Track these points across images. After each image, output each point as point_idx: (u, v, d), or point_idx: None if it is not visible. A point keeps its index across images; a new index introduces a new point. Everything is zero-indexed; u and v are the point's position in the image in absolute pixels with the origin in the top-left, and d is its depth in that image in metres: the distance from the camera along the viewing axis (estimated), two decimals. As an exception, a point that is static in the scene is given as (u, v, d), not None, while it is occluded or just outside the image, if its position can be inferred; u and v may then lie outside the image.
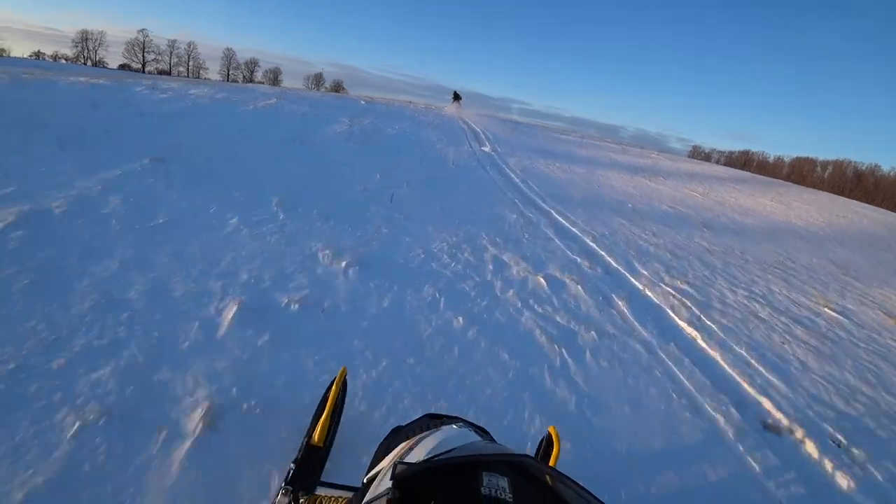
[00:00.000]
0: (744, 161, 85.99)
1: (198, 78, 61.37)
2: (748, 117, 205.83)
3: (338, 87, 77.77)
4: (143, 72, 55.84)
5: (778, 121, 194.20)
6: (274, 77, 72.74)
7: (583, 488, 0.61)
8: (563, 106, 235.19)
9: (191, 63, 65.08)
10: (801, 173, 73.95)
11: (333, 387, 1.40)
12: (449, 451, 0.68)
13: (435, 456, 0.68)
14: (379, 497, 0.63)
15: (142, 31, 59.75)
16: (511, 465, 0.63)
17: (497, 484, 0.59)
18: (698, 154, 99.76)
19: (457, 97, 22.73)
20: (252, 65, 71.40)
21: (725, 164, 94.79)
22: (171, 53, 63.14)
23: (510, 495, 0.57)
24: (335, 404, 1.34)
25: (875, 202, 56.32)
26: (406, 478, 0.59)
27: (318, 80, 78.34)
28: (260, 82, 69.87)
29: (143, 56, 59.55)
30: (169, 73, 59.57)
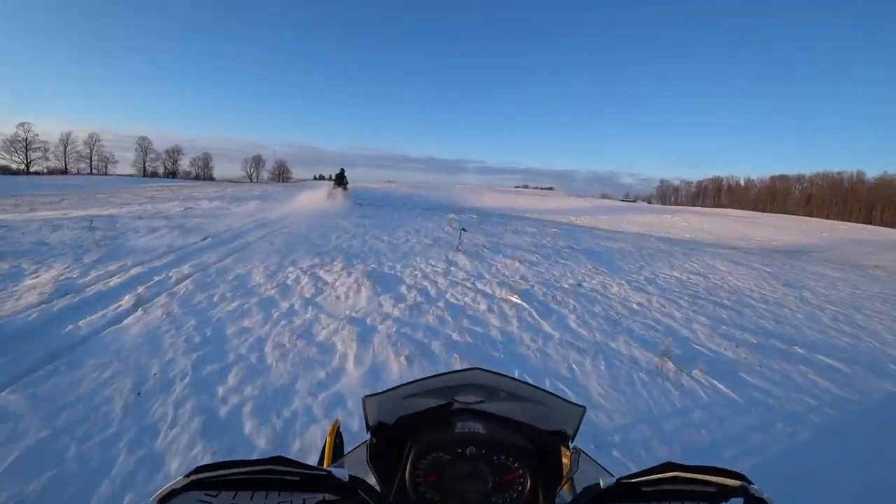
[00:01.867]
0: (717, 188, 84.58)
1: (104, 174, 54.76)
2: (697, 144, 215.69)
3: (281, 171, 74.13)
4: (27, 172, 49.42)
5: (727, 144, 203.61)
6: (204, 164, 68.02)
7: (518, 380, 0.78)
8: (518, 159, 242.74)
9: (94, 157, 59.01)
10: (772, 194, 71.56)
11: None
12: (408, 382, 0.78)
13: (400, 385, 0.78)
14: (360, 445, 0.84)
15: (22, 125, 52.10)
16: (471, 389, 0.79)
17: (469, 426, 0.74)
18: (666, 188, 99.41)
19: (340, 180, 15.29)
20: (174, 153, 66.38)
21: (694, 193, 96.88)
22: (65, 148, 56.37)
23: (482, 429, 0.73)
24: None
25: (872, 214, 56.76)
26: (381, 425, 0.75)
27: (257, 162, 74.36)
28: (186, 172, 64.73)
29: (26, 155, 51.95)
30: (65, 172, 53.46)
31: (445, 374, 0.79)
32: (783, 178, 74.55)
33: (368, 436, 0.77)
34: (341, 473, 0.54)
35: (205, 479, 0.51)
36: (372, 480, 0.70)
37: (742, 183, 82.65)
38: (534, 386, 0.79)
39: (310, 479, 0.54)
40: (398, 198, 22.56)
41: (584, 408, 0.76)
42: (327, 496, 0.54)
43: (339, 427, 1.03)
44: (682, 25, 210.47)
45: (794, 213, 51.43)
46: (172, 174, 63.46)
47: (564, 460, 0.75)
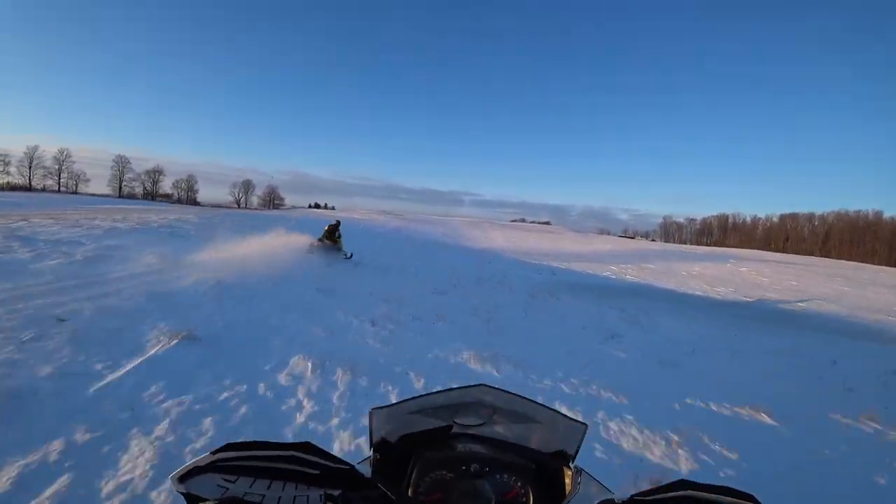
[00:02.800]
0: (723, 225, 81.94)
1: (74, 192, 50.88)
2: (692, 180, 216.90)
3: (272, 197, 70.91)
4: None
5: (727, 180, 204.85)
6: (188, 187, 64.41)
7: (522, 397, 0.81)
8: (512, 193, 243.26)
9: (64, 175, 54.52)
10: (784, 232, 68.66)
11: None
12: (415, 397, 0.81)
13: (404, 400, 0.80)
14: (366, 459, 0.78)
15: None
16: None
17: (470, 446, 0.76)
18: (670, 224, 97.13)
19: (332, 234, 11.45)
20: (155, 174, 62.40)
21: (699, 230, 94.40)
22: (30, 163, 52.09)
23: (483, 449, 0.75)
24: None
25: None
26: (384, 441, 0.76)
27: (246, 187, 70.86)
28: (166, 195, 61.19)
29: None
30: (29, 189, 49.22)
31: (452, 389, 0.81)
32: (793, 216, 72.16)
33: (371, 451, 0.78)
34: (364, 469, 0.57)
35: (226, 462, 0.51)
36: None
37: (748, 220, 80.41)
38: (537, 403, 0.79)
39: (331, 472, 0.54)
40: (399, 240, 18.97)
41: (585, 425, 0.77)
42: (347, 492, 0.51)
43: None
44: (676, 55, 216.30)
45: (810, 254, 47.93)
46: (152, 196, 59.82)
47: (566, 479, 0.76)
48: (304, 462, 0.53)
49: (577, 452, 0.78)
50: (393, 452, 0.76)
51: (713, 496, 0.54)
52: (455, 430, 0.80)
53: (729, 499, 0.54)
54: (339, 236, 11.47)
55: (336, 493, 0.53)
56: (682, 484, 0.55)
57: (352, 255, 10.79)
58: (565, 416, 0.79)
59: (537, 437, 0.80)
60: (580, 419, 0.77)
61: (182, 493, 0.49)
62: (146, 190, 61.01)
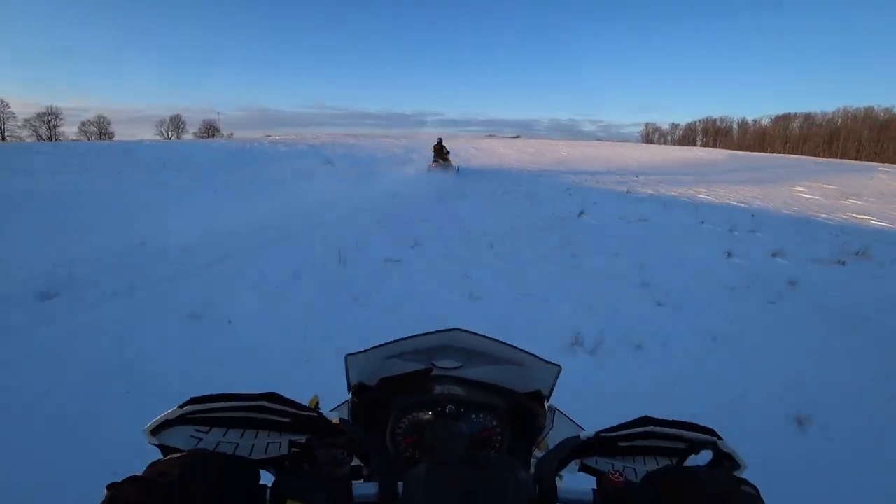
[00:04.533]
0: (711, 129, 76.08)
1: None
2: (653, 88, 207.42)
3: (211, 133, 63.04)
4: None
5: (689, 85, 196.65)
6: (100, 130, 56.57)
7: (497, 340, 0.80)
8: (478, 110, 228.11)
9: None
10: (774, 136, 63.76)
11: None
12: (390, 342, 0.78)
13: (379, 345, 0.78)
14: (342, 403, 0.81)
15: None
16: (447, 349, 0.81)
17: (448, 388, 0.75)
18: (652, 132, 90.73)
19: (441, 151, 13.17)
20: (49, 118, 52.92)
21: (682, 136, 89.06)
22: None
23: (461, 391, 0.74)
24: None
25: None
26: (362, 385, 0.77)
27: (176, 123, 62.64)
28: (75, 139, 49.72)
29: None
30: None
31: (426, 334, 0.81)
32: (786, 117, 66.91)
33: (350, 395, 0.79)
34: (331, 416, 0.54)
35: (197, 414, 0.52)
36: None
37: (736, 125, 74.92)
38: (511, 346, 0.80)
39: (300, 419, 0.54)
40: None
41: (559, 367, 0.78)
42: (314, 437, 0.52)
43: (317, 403, 0.87)
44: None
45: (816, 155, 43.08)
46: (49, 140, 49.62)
47: (540, 419, 0.78)
48: (273, 411, 0.53)
49: (551, 392, 0.80)
50: (371, 397, 0.77)
51: (674, 430, 0.54)
52: (435, 372, 0.79)
53: (690, 432, 0.54)
54: (448, 153, 13.27)
55: (302, 439, 0.53)
56: (645, 420, 0.54)
57: (459, 168, 12.74)
58: (540, 358, 0.79)
59: (513, 379, 0.80)
60: (554, 361, 0.78)
61: (156, 446, 0.51)
62: (39, 136, 51.75)
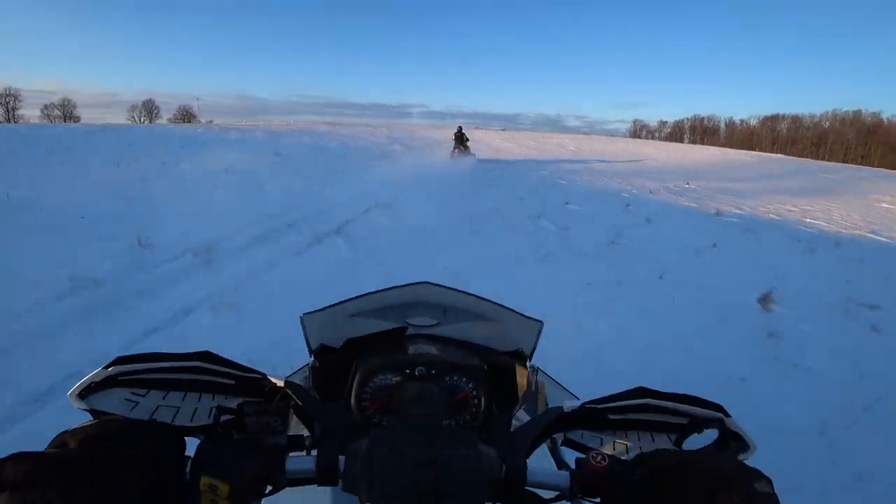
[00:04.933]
0: (699, 127, 75.15)
1: None
2: (636, 85, 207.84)
3: (186, 119, 59.84)
4: None
5: (678, 82, 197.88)
6: (64, 113, 53.67)
7: (471, 294, 0.73)
8: (463, 103, 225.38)
9: None
10: (762, 136, 63.27)
11: None
12: (351, 298, 0.71)
13: (339, 302, 0.71)
14: (301, 368, 0.77)
15: None
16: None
17: (422, 348, 0.68)
18: (640, 128, 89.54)
19: (461, 138, 12.90)
20: (6, 98, 50.45)
21: (670, 133, 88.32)
22: None
23: (435, 350, 0.67)
24: None
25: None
26: (325, 347, 0.70)
27: (149, 108, 59.29)
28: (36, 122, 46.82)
29: None
30: None
31: (392, 288, 0.74)
32: (774, 118, 66.38)
33: (311, 358, 0.72)
34: (276, 378, 0.49)
35: (130, 375, 0.47)
36: None
37: (723, 124, 74.18)
38: (487, 300, 0.74)
39: (243, 381, 0.49)
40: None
41: (541, 322, 0.72)
42: (248, 402, 0.45)
43: None
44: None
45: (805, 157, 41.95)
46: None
47: (521, 379, 0.73)
48: (214, 373, 0.48)
49: (533, 351, 0.74)
50: (336, 360, 0.69)
51: (675, 405, 0.49)
52: (409, 331, 0.73)
53: (693, 407, 0.48)
54: (467, 140, 12.96)
55: (233, 404, 0.45)
56: (642, 391, 0.49)
57: (475, 154, 12.43)
58: (520, 313, 0.73)
59: (492, 336, 0.74)
60: (535, 317, 0.71)
61: (86, 410, 0.44)
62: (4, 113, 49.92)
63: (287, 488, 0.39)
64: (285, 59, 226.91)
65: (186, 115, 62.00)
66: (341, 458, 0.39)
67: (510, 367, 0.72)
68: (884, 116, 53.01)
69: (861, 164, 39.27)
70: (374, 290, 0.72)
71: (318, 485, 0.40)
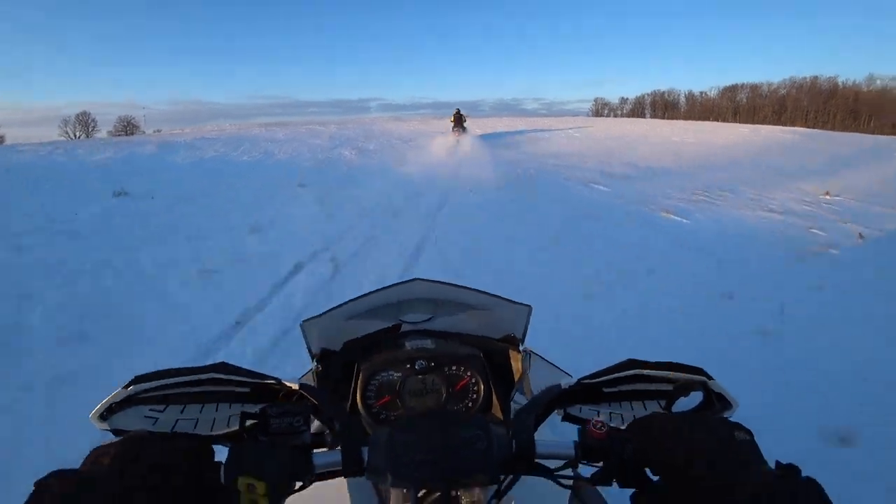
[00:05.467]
0: (661, 102, 74.07)
1: None
2: (593, 64, 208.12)
3: (128, 130, 51.37)
4: None
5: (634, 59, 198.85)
6: None
7: (460, 286, 0.75)
8: (423, 94, 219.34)
9: None
10: (725, 107, 63.00)
11: None
12: (346, 302, 0.73)
13: (336, 307, 0.73)
14: (306, 374, 0.78)
15: None
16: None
17: (418, 343, 0.71)
18: (602, 106, 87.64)
19: (459, 120, 14.38)
20: None
21: (632, 110, 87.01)
22: None
23: (431, 344, 0.71)
24: None
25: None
26: (326, 351, 0.73)
27: (84, 122, 50.80)
28: None
29: None
30: None
31: (385, 288, 0.75)
32: (733, 88, 66.05)
33: (314, 363, 0.74)
34: (290, 381, 0.50)
35: (148, 393, 0.48)
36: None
37: (682, 99, 73.44)
38: (476, 290, 0.76)
39: (258, 388, 0.50)
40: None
41: (529, 307, 0.74)
42: (269, 405, 0.45)
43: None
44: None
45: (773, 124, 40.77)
46: None
47: (515, 363, 0.75)
48: (229, 382, 0.49)
49: (524, 335, 0.76)
50: (337, 362, 0.73)
51: (662, 372, 0.51)
52: (404, 328, 0.77)
53: (678, 374, 0.51)
54: (465, 120, 14.43)
55: (254, 410, 0.45)
56: (631, 363, 0.51)
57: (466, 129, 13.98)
58: (508, 299, 0.74)
59: (485, 325, 0.78)
60: (523, 302, 0.73)
61: (109, 431, 0.46)
62: None
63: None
64: (239, 61, 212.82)
65: (128, 127, 53.74)
66: (364, 449, 0.42)
67: (504, 352, 0.77)
68: (839, 80, 53.32)
69: (825, 128, 38.31)
70: (366, 292, 0.73)
71: (345, 476, 0.42)
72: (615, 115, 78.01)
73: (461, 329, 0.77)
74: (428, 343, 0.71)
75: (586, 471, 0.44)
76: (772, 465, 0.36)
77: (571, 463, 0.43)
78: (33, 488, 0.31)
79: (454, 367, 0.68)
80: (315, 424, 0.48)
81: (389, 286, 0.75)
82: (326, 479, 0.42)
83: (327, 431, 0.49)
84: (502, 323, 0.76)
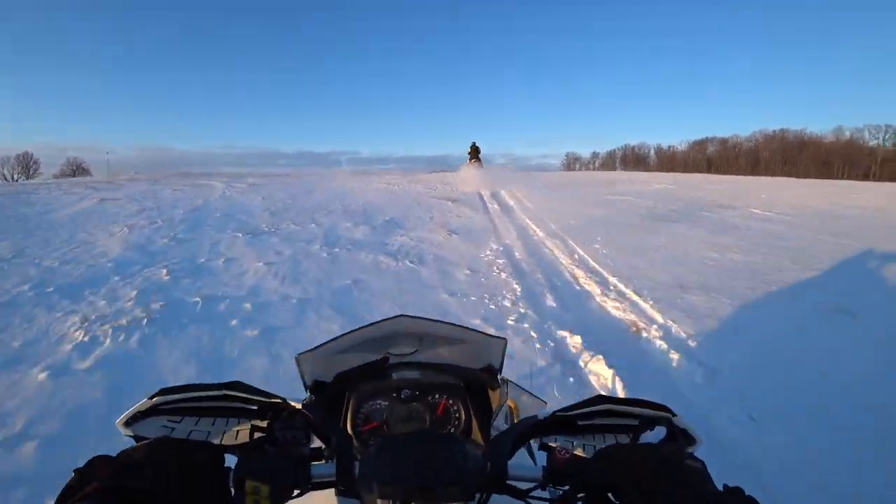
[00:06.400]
0: (631, 156, 75.52)
1: None
2: (562, 119, 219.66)
3: (76, 172, 48.04)
4: None
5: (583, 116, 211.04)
6: None
7: (441, 321, 0.83)
8: (392, 149, 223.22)
9: None
10: (698, 160, 64.41)
11: None
12: (337, 337, 0.80)
13: (330, 341, 0.78)
14: (305, 399, 0.79)
15: None
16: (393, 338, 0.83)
17: (404, 374, 0.78)
18: (573, 161, 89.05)
19: (475, 154, 16.30)
20: None
21: (603, 164, 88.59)
22: None
23: (416, 374, 0.78)
24: None
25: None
26: (318, 382, 0.77)
27: (25, 162, 47.99)
28: None
29: None
30: None
31: (372, 324, 0.80)
32: (703, 143, 68.03)
33: (307, 394, 0.78)
34: (294, 401, 0.55)
35: (169, 405, 0.53)
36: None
37: (652, 153, 75.25)
38: (456, 325, 0.83)
39: (265, 406, 0.55)
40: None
41: (504, 340, 0.81)
42: (276, 421, 0.52)
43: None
44: None
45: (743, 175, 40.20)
46: None
47: (494, 392, 0.81)
48: (240, 399, 0.55)
49: (501, 365, 0.82)
50: (329, 393, 0.76)
51: (629, 408, 0.56)
52: (391, 360, 0.81)
53: (643, 410, 0.55)
54: (480, 153, 16.11)
55: (263, 423, 0.53)
56: (600, 399, 0.57)
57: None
58: (485, 333, 0.82)
59: (466, 356, 0.82)
60: (498, 335, 0.81)
61: (131, 436, 0.51)
62: None
63: (304, 494, 0.45)
64: (211, 108, 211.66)
65: (77, 170, 50.35)
66: (355, 463, 0.46)
67: (483, 382, 0.81)
68: (806, 133, 55.23)
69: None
70: (354, 328, 0.79)
71: (337, 486, 0.46)
72: (586, 169, 79.20)
73: (444, 361, 0.81)
74: (413, 374, 0.78)
75: (557, 494, 0.47)
76: (720, 488, 0.40)
77: (541, 485, 0.48)
78: (73, 474, 0.36)
79: (437, 396, 0.73)
80: (314, 440, 0.52)
81: (376, 322, 0.80)
82: (320, 490, 0.47)
83: (324, 447, 0.55)
84: (481, 355, 0.82)
